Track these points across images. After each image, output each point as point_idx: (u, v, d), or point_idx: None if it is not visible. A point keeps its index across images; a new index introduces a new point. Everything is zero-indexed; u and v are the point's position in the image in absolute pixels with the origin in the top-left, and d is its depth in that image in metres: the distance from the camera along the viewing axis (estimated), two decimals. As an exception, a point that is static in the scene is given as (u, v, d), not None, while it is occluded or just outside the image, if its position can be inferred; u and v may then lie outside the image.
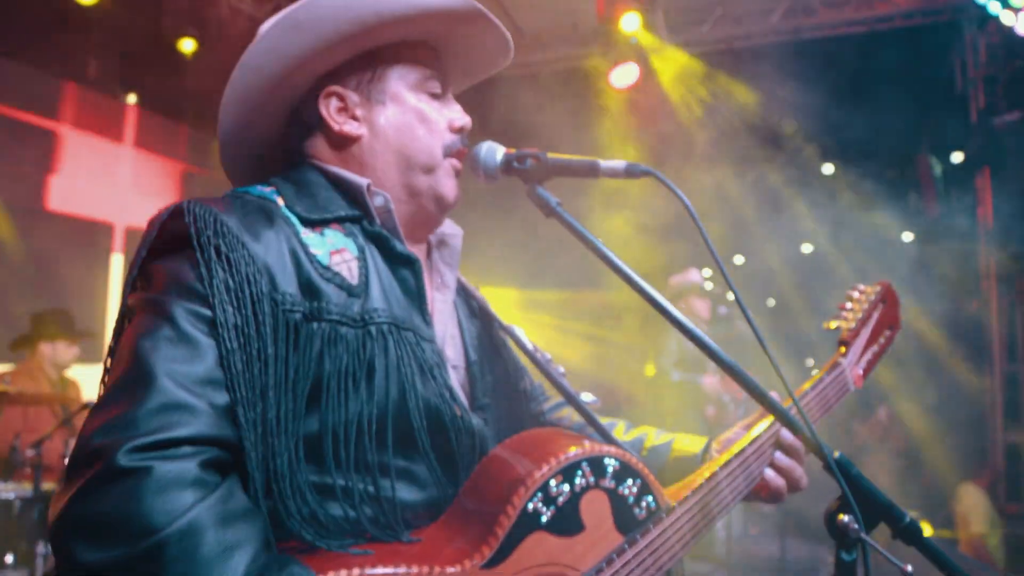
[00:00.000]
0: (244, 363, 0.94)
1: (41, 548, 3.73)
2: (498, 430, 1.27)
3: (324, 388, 1.00)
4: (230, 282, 0.96)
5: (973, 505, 5.76)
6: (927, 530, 5.54)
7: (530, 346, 1.36)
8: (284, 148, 1.26)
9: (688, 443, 1.38)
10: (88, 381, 4.98)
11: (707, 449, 1.37)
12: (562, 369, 1.36)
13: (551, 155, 1.19)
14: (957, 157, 9.70)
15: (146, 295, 0.98)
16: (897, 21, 6.67)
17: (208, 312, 0.94)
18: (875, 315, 1.51)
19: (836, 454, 1.05)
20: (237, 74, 1.15)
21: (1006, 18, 5.54)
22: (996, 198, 6.44)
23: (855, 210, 14.77)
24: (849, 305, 1.52)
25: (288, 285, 1.01)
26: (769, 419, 1.29)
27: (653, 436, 1.42)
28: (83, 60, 5.70)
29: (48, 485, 3.97)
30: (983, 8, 5.66)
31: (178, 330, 0.92)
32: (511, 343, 1.38)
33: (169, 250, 1.00)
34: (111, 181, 6.26)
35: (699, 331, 1.13)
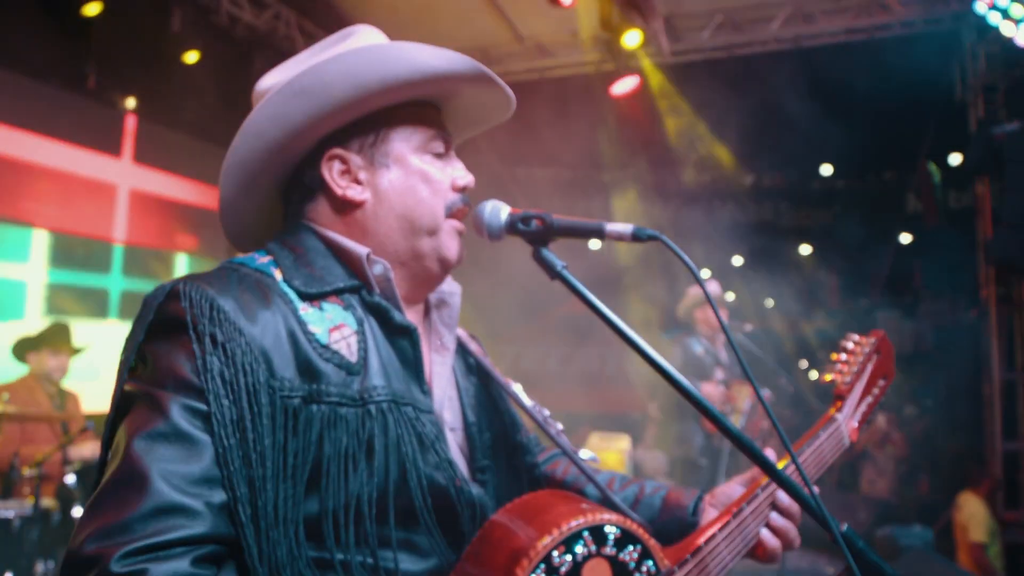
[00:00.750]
0: (242, 459, 0.93)
1: (40, 567, 3.73)
2: (497, 486, 1.27)
3: (324, 471, 0.99)
4: (226, 373, 0.95)
5: (973, 514, 5.76)
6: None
7: (528, 403, 1.35)
8: (285, 208, 1.25)
9: (680, 496, 1.37)
10: (89, 394, 4.98)
11: (699, 501, 1.36)
12: (560, 426, 1.36)
13: (556, 217, 1.18)
14: (956, 159, 9.71)
15: (143, 387, 0.96)
16: (897, 29, 6.68)
17: (204, 407, 0.93)
18: (869, 367, 1.49)
19: (843, 527, 1.05)
20: (238, 141, 1.12)
21: (1006, 29, 5.53)
22: (995, 208, 6.44)
23: (852, 212, 14.82)
24: (844, 357, 1.49)
25: (286, 369, 1.00)
26: (766, 478, 1.28)
27: (646, 489, 1.41)
28: (82, 70, 5.67)
29: (47, 502, 3.98)
30: (983, 19, 5.66)
31: (174, 427, 0.91)
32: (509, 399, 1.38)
33: (165, 333, 0.99)
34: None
35: (698, 393, 1.12)
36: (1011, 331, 6.64)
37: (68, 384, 4.74)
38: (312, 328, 1.05)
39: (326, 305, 1.09)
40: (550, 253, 1.17)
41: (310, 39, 7.39)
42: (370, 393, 1.05)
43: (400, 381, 1.11)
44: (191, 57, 6.10)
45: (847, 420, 1.44)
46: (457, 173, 1.23)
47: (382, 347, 1.11)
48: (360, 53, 1.10)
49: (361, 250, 1.14)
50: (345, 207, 1.18)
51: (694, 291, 5.57)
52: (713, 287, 5.56)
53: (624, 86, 6.49)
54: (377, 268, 1.15)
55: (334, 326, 1.07)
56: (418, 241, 1.18)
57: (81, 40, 5.65)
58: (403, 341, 1.14)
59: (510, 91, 1.25)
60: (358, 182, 1.17)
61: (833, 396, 1.45)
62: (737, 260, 18.80)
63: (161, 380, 0.95)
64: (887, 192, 13.58)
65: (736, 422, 5.23)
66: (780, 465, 1.27)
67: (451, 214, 1.21)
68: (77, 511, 3.86)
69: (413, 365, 1.15)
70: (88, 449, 4.22)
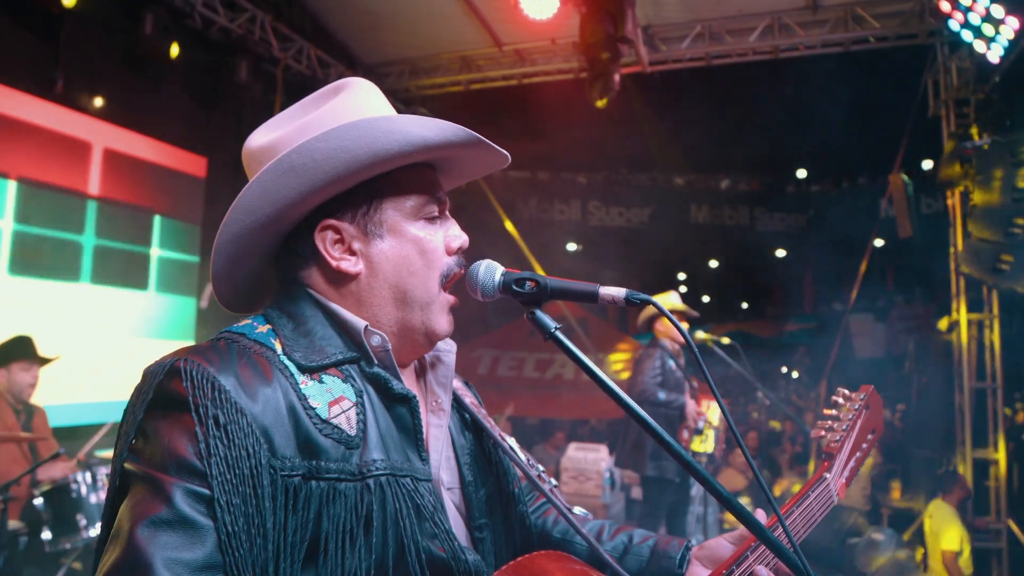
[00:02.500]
0: (246, 544, 0.93)
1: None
2: (494, 540, 1.27)
3: (322, 548, 0.99)
4: (229, 457, 0.95)
5: (944, 522, 5.86)
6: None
7: (523, 459, 1.34)
8: (279, 271, 1.23)
9: (668, 546, 1.37)
10: (55, 410, 4.85)
11: (686, 551, 1.36)
12: (555, 482, 1.35)
13: (549, 279, 1.16)
14: (928, 164, 9.88)
15: (144, 469, 0.95)
16: (872, 43, 6.77)
17: (207, 492, 0.93)
18: (859, 423, 1.50)
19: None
20: (230, 216, 1.10)
21: (978, 46, 5.63)
22: (966, 219, 6.55)
23: (826, 216, 15.02)
24: (834, 412, 1.50)
25: (286, 447, 1.00)
26: (746, 552, 1.27)
27: (635, 538, 1.41)
28: (50, 72, 5.51)
29: (14, 523, 3.86)
30: (956, 35, 5.75)
31: (177, 513, 0.91)
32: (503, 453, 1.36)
33: (166, 413, 0.98)
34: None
35: (682, 450, 1.11)
36: (981, 340, 6.76)
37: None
38: (312, 402, 1.04)
39: (326, 377, 1.09)
40: (544, 315, 1.16)
41: (286, 43, 7.29)
42: (369, 467, 1.05)
43: (398, 451, 1.11)
44: (164, 61, 5.96)
45: (836, 478, 1.44)
46: (451, 235, 1.22)
47: (380, 417, 1.11)
48: (350, 129, 1.09)
49: (359, 323, 1.14)
50: (339, 277, 1.16)
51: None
52: (674, 299, 5.54)
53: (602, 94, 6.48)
54: (375, 340, 1.14)
55: (334, 399, 1.07)
56: (409, 313, 1.17)
57: (49, 43, 5.51)
58: (401, 409, 1.14)
59: (503, 151, 1.24)
60: (352, 252, 1.16)
61: (823, 454, 1.45)
62: (713, 263, 19.01)
63: (163, 463, 0.94)
64: (861, 197, 13.79)
65: (709, 437, 5.25)
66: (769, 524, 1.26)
67: (446, 283, 1.20)
68: (46, 534, 3.75)
69: (411, 432, 1.14)
70: (57, 469, 4.10)
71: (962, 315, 6.78)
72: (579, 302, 1.16)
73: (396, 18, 7.31)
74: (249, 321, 1.14)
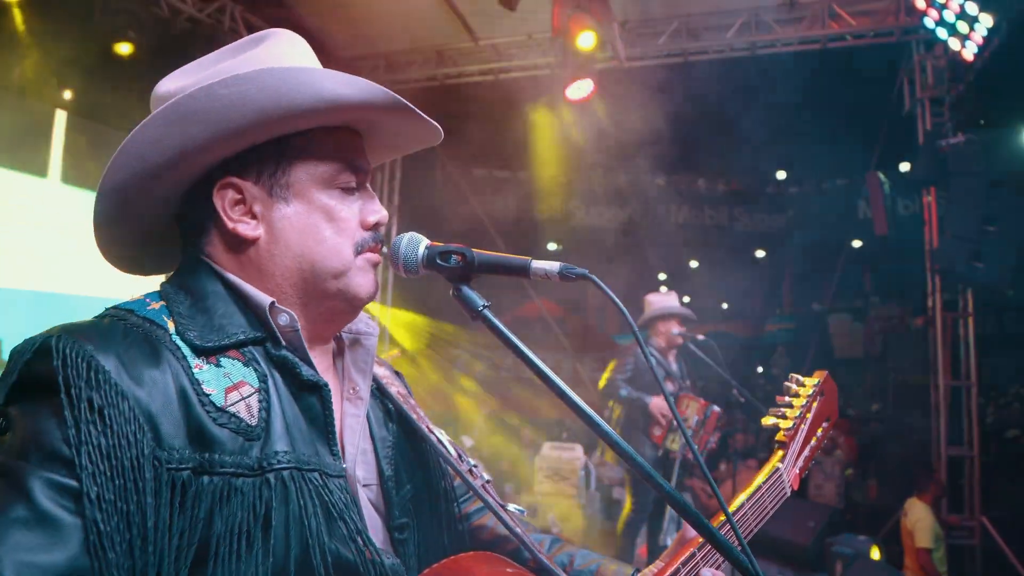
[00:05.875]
0: (120, 547, 0.81)
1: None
2: (419, 543, 1.17)
3: (212, 552, 0.87)
4: (104, 444, 0.83)
5: (919, 520, 5.85)
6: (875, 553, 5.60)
7: (453, 454, 1.23)
8: (181, 238, 1.11)
9: (613, 571, 1.28)
10: None
11: None
12: (488, 476, 1.25)
13: (477, 252, 1.07)
14: (905, 167, 9.93)
15: (1, 459, 0.83)
16: (849, 40, 6.76)
17: (74, 484, 0.81)
18: (813, 410, 1.42)
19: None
20: (116, 159, 0.99)
21: (952, 44, 5.62)
22: (940, 217, 6.55)
23: (805, 217, 15.08)
24: (787, 399, 1.41)
25: (175, 437, 0.88)
26: (693, 550, 1.19)
27: (576, 560, 1.31)
28: (11, 64, 5.35)
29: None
30: (931, 32, 5.74)
31: (35, 509, 0.79)
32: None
33: (31, 396, 0.85)
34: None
35: (623, 442, 1.04)
36: (956, 339, 6.77)
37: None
38: (207, 388, 0.93)
39: (224, 361, 0.97)
40: (471, 292, 1.08)
41: (258, 35, 7.14)
42: (270, 460, 0.93)
43: (307, 444, 0.99)
44: (125, 50, 5.80)
45: (789, 468, 1.36)
46: (368, 209, 1.10)
47: (287, 406, 1.00)
48: (255, 77, 0.98)
49: (264, 299, 1.02)
50: (238, 243, 1.05)
51: (654, 300, 5.49)
52: (672, 299, 5.50)
53: (579, 91, 6.39)
54: (283, 319, 1.03)
55: (232, 385, 0.95)
56: (321, 283, 1.06)
57: (10, 32, 5.35)
58: (311, 397, 1.03)
59: (435, 123, 1.14)
60: (253, 215, 1.04)
61: (775, 443, 1.37)
62: (693, 263, 19.03)
63: (23, 450, 0.82)
64: (839, 198, 13.85)
65: (681, 434, 5.20)
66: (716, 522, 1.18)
67: (362, 252, 1.09)
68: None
69: (322, 424, 1.03)
70: None
71: (937, 314, 6.78)
72: (510, 276, 1.07)
73: (370, 11, 7.19)
74: (141, 297, 1.02)
